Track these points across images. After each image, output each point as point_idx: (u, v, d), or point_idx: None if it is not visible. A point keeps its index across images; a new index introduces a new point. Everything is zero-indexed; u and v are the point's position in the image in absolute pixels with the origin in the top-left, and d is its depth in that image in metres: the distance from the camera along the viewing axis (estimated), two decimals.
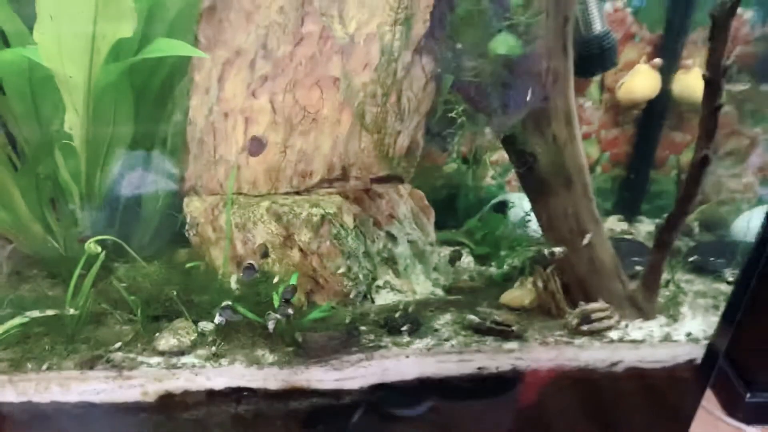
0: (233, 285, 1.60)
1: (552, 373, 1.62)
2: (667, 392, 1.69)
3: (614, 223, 2.20)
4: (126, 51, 1.44)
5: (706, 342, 1.62)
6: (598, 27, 1.78)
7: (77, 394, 1.47)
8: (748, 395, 1.93)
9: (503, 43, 1.42)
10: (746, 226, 2.00)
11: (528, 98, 1.48)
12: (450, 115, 1.60)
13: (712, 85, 1.40)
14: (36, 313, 1.48)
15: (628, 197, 2.23)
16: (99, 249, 1.46)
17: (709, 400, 2.02)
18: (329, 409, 1.58)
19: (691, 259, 1.98)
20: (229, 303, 1.50)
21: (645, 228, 2.18)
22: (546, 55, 1.48)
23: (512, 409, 1.71)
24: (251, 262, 1.56)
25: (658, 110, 2.06)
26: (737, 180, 2.14)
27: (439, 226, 1.95)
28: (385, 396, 1.58)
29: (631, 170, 2.21)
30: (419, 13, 1.51)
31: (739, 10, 1.87)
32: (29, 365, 1.48)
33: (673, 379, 1.66)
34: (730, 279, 1.86)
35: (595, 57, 1.81)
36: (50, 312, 1.49)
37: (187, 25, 1.57)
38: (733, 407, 1.98)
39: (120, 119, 1.53)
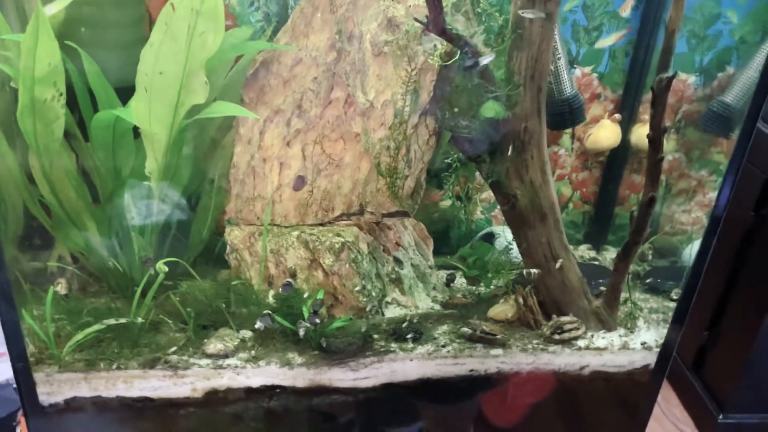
0: (270, 299, 1.77)
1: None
2: (627, 392, 1.83)
3: (584, 251, 2.29)
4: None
5: (657, 350, 1.76)
6: (568, 90, 1.97)
7: (138, 390, 1.63)
8: (721, 416, 1.96)
9: (490, 109, 1.57)
10: (694, 253, 2.09)
11: (509, 151, 1.66)
12: (446, 161, 1.78)
13: (655, 142, 1.57)
14: (111, 321, 1.64)
15: (596, 229, 2.32)
16: (166, 269, 1.64)
17: (684, 422, 2.05)
18: (346, 404, 1.74)
19: (647, 281, 2.13)
20: (269, 312, 1.66)
21: (610, 255, 2.26)
22: (524, 117, 1.64)
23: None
24: (289, 280, 1.74)
25: (620, 156, 2.17)
26: (687, 215, 2.29)
27: (436, 252, 2.08)
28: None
29: (597, 207, 2.29)
30: (425, 85, 1.66)
31: (684, 75, 2.13)
32: (101, 365, 1.64)
33: (632, 381, 1.81)
34: (674, 297, 2.00)
35: (566, 114, 2.00)
36: (122, 320, 1.65)
37: (235, 89, 1.79)
38: (706, 428, 2.01)
39: (182, 164, 1.72)
